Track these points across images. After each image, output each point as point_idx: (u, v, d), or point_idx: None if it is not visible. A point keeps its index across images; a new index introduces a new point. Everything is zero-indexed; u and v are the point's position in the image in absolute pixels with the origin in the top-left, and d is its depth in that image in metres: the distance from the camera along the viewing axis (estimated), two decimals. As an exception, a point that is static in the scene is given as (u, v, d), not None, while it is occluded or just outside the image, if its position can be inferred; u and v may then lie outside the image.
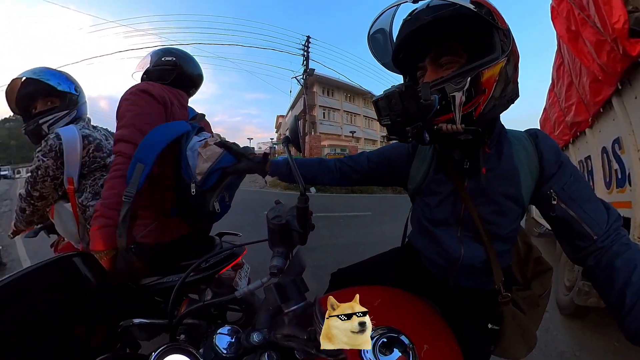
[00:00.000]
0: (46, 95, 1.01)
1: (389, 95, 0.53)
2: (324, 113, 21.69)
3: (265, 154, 0.80)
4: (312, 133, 17.17)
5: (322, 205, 6.27)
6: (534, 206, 0.63)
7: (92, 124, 1.12)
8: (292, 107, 24.74)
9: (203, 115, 1.03)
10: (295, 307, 0.42)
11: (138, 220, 0.84)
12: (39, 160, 0.91)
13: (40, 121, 0.99)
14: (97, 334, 0.74)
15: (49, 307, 0.70)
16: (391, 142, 0.68)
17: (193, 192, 0.76)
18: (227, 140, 0.84)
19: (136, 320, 0.59)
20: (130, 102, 0.75)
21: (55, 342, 0.67)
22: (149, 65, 0.97)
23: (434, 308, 0.64)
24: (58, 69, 1.06)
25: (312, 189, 8.90)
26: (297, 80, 15.10)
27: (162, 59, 0.97)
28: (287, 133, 0.61)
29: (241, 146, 0.82)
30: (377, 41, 0.65)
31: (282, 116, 32.46)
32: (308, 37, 14.73)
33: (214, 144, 0.79)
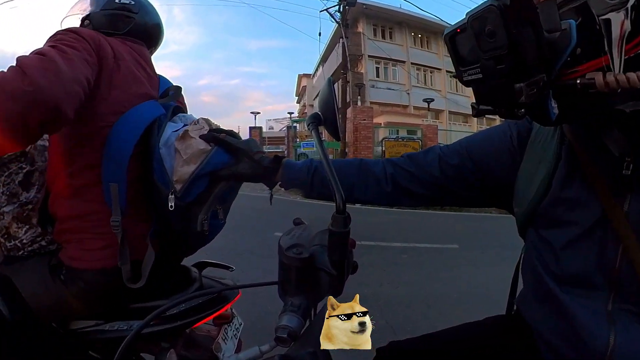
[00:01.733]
0: None
1: (479, 16, 0.48)
2: (377, 68, 21.67)
3: (277, 156, 0.84)
4: (358, 103, 17.23)
5: (370, 227, 6.22)
6: None
7: None
8: (322, 61, 25.05)
9: (179, 89, 1.11)
10: (312, 399, 0.43)
11: (71, 236, 0.91)
12: None
13: None
14: None
15: None
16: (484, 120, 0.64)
17: (171, 206, 0.84)
18: (219, 127, 0.89)
19: (59, 380, 0.64)
20: (52, 41, 0.81)
21: None
22: (92, 8, 1.08)
23: None
24: None
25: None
26: (330, 15, 14.85)
27: (117, 0, 1.09)
28: (316, 106, 0.62)
29: (240, 136, 0.87)
30: None
31: (306, 76, 33.33)
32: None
33: (199, 136, 0.84)
